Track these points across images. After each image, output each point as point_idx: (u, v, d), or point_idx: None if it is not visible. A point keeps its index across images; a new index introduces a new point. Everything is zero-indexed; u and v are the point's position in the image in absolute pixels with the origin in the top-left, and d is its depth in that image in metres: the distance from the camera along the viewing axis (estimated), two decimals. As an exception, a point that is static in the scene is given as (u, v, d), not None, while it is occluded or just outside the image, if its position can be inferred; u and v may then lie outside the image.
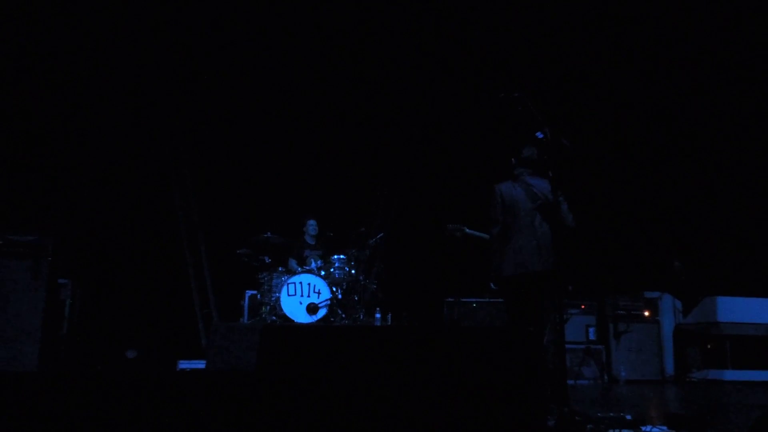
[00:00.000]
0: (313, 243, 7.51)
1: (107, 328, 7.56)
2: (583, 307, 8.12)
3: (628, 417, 3.94)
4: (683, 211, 8.79)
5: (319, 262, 7.17)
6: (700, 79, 8.29)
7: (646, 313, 8.06)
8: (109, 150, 8.06)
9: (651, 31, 8.13)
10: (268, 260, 7.13)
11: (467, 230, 4.97)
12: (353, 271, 7.18)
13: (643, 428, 3.78)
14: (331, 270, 7.08)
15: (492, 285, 4.45)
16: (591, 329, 7.91)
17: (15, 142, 7.56)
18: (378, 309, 7.16)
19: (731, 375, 7.46)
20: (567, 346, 7.65)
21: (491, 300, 7.92)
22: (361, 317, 7.04)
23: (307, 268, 7.03)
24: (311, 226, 7.51)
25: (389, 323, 7.23)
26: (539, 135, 3.64)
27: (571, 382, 7.30)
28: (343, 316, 6.94)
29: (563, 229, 4.14)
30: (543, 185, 4.22)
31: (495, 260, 4.28)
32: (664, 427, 3.83)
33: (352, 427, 1.97)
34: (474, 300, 7.94)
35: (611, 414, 3.97)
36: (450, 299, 7.86)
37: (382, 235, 7.38)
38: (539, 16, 8.01)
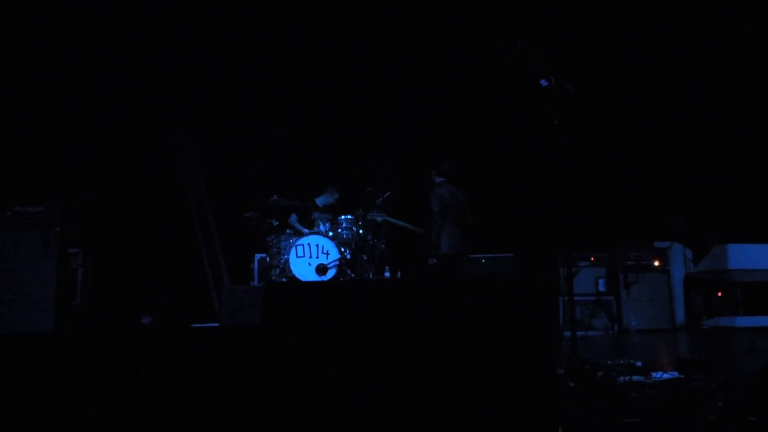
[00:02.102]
0: (324, 207, 7.47)
1: (120, 296, 7.65)
2: (593, 259, 8.12)
3: (639, 364, 3.96)
4: (693, 159, 8.67)
5: (327, 225, 7.16)
6: (705, 28, 8.08)
7: (656, 263, 8.04)
8: (115, 117, 8.02)
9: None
10: (275, 223, 7.13)
11: (390, 219, 6.51)
12: (361, 231, 7.17)
13: (654, 374, 3.80)
14: (339, 230, 7.07)
15: (430, 260, 6.12)
16: (601, 281, 7.91)
17: (22, 112, 7.54)
18: (387, 268, 7.17)
19: (742, 321, 7.47)
20: (577, 298, 7.74)
21: (500, 255, 7.92)
22: (371, 276, 7.06)
23: (315, 230, 7.03)
24: (333, 197, 7.41)
25: (398, 281, 7.26)
26: (543, 83, 3.58)
27: (581, 333, 7.35)
28: (353, 276, 6.96)
29: (468, 223, 6.20)
30: (458, 192, 6.17)
31: (434, 242, 6.01)
32: (675, 373, 3.85)
33: (357, 381, 1.98)
34: (483, 256, 7.94)
35: (621, 361, 3.99)
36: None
37: (389, 194, 7.33)
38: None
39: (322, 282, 5.85)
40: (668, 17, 8.07)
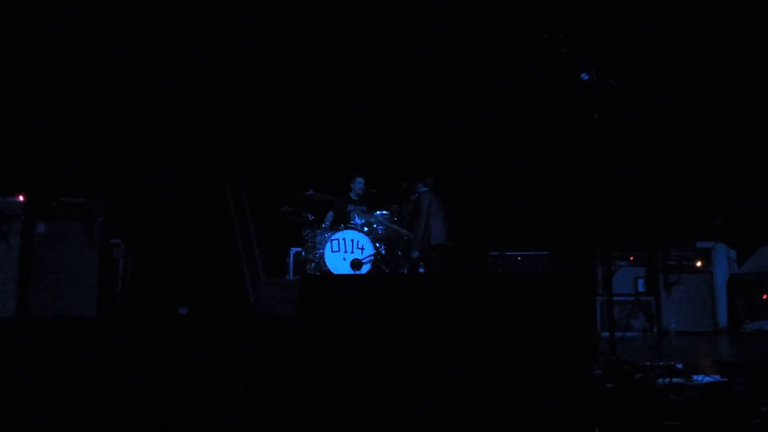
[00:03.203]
0: (357, 199, 7.51)
1: (159, 286, 7.80)
2: (632, 258, 7.95)
3: (679, 366, 3.86)
4: (739, 157, 8.40)
5: (363, 218, 7.18)
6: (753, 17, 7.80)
7: (699, 264, 7.82)
8: (155, 110, 8.17)
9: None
10: (311, 217, 7.19)
11: (390, 225, 7.12)
12: (396, 227, 7.18)
13: (695, 377, 3.70)
14: (374, 226, 7.09)
15: (413, 252, 6.95)
16: (640, 281, 7.74)
17: (65, 105, 7.73)
18: (422, 264, 7.16)
19: (788, 325, 7.23)
20: (615, 298, 7.58)
21: (536, 253, 7.82)
22: (405, 272, 7.06)
23: (351, 224, 7.05)
24: (359, 183, 7.47)
25: (433, 278, 7.24)
26: (584, 76, 3.51)
27: (619, 334, 7.20)
28: (387, 271, 6.97)
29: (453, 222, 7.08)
30: (439, 199, 7.07)
31: (420, 236, 6.91)
32: (717, 376, 3.74)
33: (389, 375, 1.97)
34: (518, 253, 7.86)
35: (661, 363, 3.90)
36: (494, 253, 7.80)
37: (425, 190, 7.32)
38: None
39: (357, 276, 5.90)
40: (714, 8, 7.83)
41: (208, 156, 8.63)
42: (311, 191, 7.10)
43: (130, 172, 7.96)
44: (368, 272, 6.81)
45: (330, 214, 7.42)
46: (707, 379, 3.68)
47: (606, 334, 4.29)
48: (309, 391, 1.93)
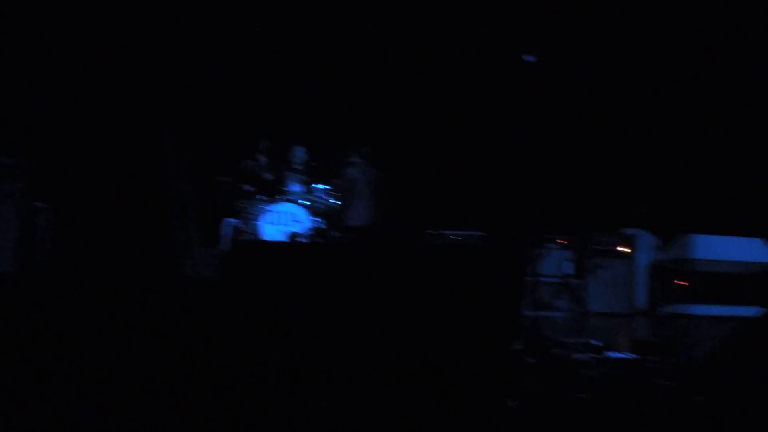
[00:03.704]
0: (298, 169, 7.41)
1: (85, 254, 7.53)
2: (562, 242, 8.23)
3: (595, 343, 4.07)
4: (664, 151, 8.79)
5: (301, 186, 7.12)
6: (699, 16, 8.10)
7: (623, 249, 8.17)
8: (85, 70, 7.81)
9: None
10: (249, 188, 7.09)
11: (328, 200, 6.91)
12: (336, 202, 7.17)
13: (610, 353, 3.91)
14: (313, 200, 7.06)
15: (332, 232, 6.70)
16: (567, 263, 8.03)
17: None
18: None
19: (700, 310, 7.65)
20: (544, 279, 7.86)
21: (471, 233, 7.98)
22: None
23: (288, 192, 6.99)
24: (298, 152, 7.37)
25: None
26: (529, 58, 3.58)
27: (545, 314, 7.48)
28: (324, 245, 6.97)
29: (380, 205, 6.74)
30: (373, 174, 6.80)
31: (340, 216, 6.70)
32: (630, 354, 3.96)
33: (313, 337, 2.00)
34: (456, 232, 7.99)
35: (579, 340, 4.09)
36: (432, 232, 7.90)
37: (359, 161, 7.31)
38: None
39: (288, 243, 5.89)
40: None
41: (142, 124, 8.34)
42: (249, 161, 6.99)
43: (54, 133, 7.61)
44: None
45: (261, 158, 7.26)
46: (621, 356, 3.89)
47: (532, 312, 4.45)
48: (234, 351, 1.94)
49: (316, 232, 6.87)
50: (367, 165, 6.88)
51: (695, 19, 8.03)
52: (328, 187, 7.08)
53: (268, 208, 6.79)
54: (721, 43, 8.10)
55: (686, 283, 8.04)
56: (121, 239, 7.74)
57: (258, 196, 7.03)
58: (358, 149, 6.92)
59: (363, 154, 6.91)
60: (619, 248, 8.17)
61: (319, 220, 7.00)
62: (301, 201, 6.99)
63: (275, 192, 7.23)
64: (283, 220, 6.81)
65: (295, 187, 7.11)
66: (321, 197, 7.05)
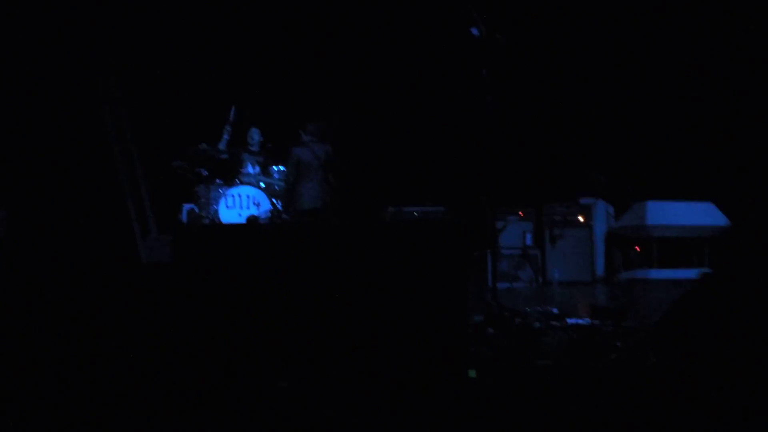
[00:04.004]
0: (255, 151, 7.30)
1: (40, 249, 7.33)
2: (521, 214, 8.35)
3: (555, 311, 4.15)
4: (618, 121, 8.94)
5: (257, 168, 7.02)
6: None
7: (581, 219, 8.35)
8: (31, 60, 7.51)
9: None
10: (205, 173, 6.96)
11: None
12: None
13: (568, 320, 3.99)
14: (271, 182, 6.98)
15: (284, 215, 6.37)
16: (528, 235, 8.16)
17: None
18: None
19: (657, 274, 7.88)
20: (505, 251, 7.98)
21: (432, 209, 8.01)
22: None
23: (244, 173, 6.89)
24: (254, 134, 7.23)
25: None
26: (474, 31, 3.57)
27: (507, 285, 7.61)
28: (284, 227, 6.91)
29: (333, 182, 6.26)
30: (322, 150, 6.20)
31: (289, 200, 6.25)
32: (588, 319, 4.05)
33: (267, 317, 1.98)
34: (416, 208, 8.02)
35: (539, 309, 4.17)
36: (392, 208, 7.91)
37: (308, 139, 7.22)
38: None
39: (239, 226, 5.73)
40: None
41: (94, 107, 8.09)
42: (204, 145, 6.86)
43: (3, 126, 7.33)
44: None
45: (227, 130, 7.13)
46: (579, 321, 3.98)
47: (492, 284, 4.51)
48: (186, 340, 1.91)
49: (275, 214, 6.80)
50: (316, 142, 6.30)
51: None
52: (284, 168, 6.98)
53: (225, 191, 6.67)
54: (668, 12, 8.22)
55: (642, 249, 8.28)
56: (76, 229, 7.55)
57: (215, 180, 6.90)
58: (304, 126, 6.35)
59: (310, 131, 6.31)
60: (576, 218, 8.35)
61: (278, 202, 6.93)
62: (259, 183, 6.89)
63: (232, 175, 7.11)
64: (241, 204, 6.72)
65: (252, 169, 7.01)
66: (278, 179, 6.96)
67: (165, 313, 2.09)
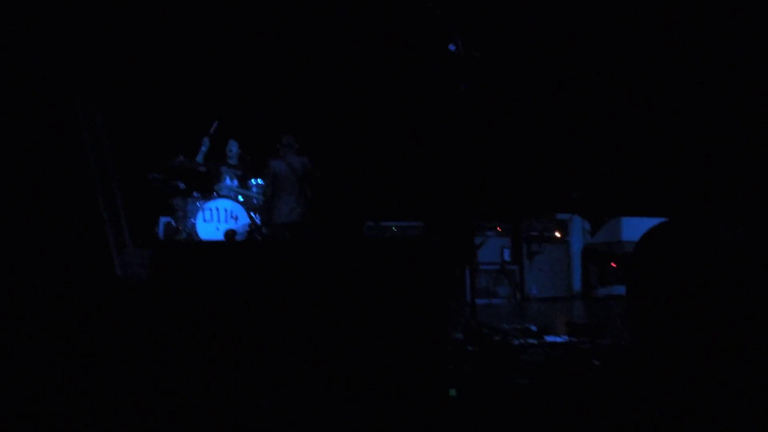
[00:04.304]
0: (233, 164, 7.26)
1: (14, 262, 7.17)
2: (499, 229, 8.40)
3: (533, 328, 4.16)
4: (594, 138, 9.06)
5: (235, 181, 6.98)
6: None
7: (558, 234, 8.42)
8: (3, 66, 7.39)
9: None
10: (182, 186, 6.90)
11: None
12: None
13: (547, 337, 4.01)
14: (249, 195, 6.94)
15: (263, 229, 6.43)
16: (506, 250, 8.20)
17: None
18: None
19: (632, 290, 7.96)
20: (483, 266, 8.01)
21: (411, 224, 8.04)
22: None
23: (223, 186, 6.84)
24: (233, 146, 7.20)
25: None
26: (451, 47, 3.61)
27: (486, 301, 7.63)
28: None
29: (310, 195, 6.30)
30: (298, 162, 6.26)
31: (266, 213, 6.28)
32: (565, 336, 4.08)
33: (245, 340, 1.96)
34: (394, 223, 8.03)
35: (517, 326, 4.18)
36: (370, 223, 7.91)
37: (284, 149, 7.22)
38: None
39: (217, 242, 5.74)
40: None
41: (70, 119, 7.97)
42: (182, 157, 6.80)
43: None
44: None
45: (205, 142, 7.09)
46: (557, 339, 4.00)
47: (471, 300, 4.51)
48: (161, 357, 1.87)
49: (253, 227, 6.76)
50: (292, 155, 6.33)
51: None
52: (262, 182, 6.95)
53: (202, 204, 6.62)
54: (645, 25, 8.35)
55: (617, 265, 8.37)
56: (50, 243, 7.41)
57: (193, 193, 6.84)
58: (280, 139, 6.39)
59: (285, 143, 6.33)
60: (553, 234, 8.42)
61: (256, 215, 6.89)
62: (237, 196, 6.85)
63: (210, 188, 7.06)
64: (219, 217, 6.66)
65: (230, 182, 6.96)
66: (257, 192, 6.92)
67: (141, 331, 2.05)
